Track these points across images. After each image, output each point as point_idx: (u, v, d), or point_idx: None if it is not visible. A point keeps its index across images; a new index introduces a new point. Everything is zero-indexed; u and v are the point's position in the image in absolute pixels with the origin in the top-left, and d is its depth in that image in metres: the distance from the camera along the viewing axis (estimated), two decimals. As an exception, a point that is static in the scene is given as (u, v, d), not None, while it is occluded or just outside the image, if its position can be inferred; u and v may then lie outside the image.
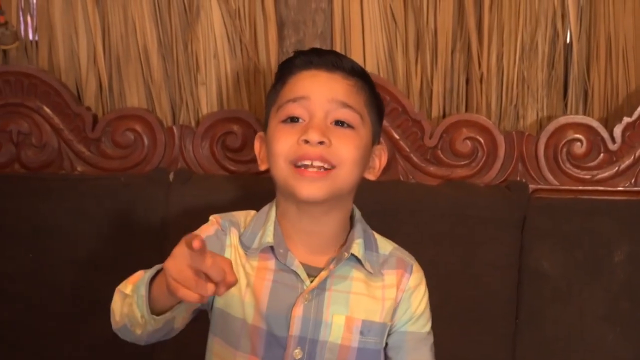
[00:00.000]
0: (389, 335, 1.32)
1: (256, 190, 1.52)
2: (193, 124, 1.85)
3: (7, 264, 1.72)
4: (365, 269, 1.30)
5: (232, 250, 1.30)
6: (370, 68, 1.79)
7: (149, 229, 1.68)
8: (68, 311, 1.71)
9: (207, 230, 1.31)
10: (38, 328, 1.71)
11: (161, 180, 1.72)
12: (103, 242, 1.69)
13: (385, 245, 1.35)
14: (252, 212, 1.36)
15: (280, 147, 1.25)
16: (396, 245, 1.37)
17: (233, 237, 1.30)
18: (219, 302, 1.29)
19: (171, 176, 1.74)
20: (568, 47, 1.84)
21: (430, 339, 1.35)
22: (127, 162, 1.80)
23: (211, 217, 1.34)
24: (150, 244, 1.66)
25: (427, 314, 1.35)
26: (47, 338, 1.70)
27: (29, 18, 1.89)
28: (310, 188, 1.23)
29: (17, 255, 1.72)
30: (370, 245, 1.33)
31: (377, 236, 1.36)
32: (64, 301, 1.71)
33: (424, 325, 1.34)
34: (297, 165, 1.24)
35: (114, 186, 1.72)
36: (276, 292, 1.26)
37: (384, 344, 1.32)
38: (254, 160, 1.67)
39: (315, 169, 1.23)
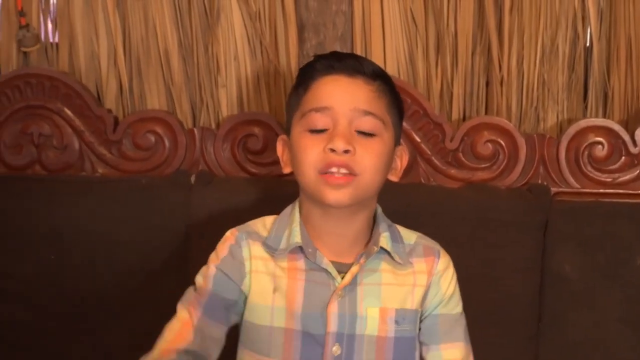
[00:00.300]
0: (421, 321, 1.34)
1: (278, 192, 1.52)
2: (213, 126, 1.86)
3: (27, 266, 1.72)
4: (395, 261, 1.31)
5: (252, 261, 1.31)
6: (390, 71, 1.79)
7: (171, 231, 1.69)
8: (88, 314, 1.71)
9: (222, 251, 1.32)
10: (56, 331, 1.71)
11: (183, 183, 1.73)
12: (125, 244, 1.70)
13: (410, 235, 1.37)
14: (270, 217, 1.37)
15: (309, 158, 1.26)
16: (419, 234, 1.39)
17: (252, 248, 1.31)
18: (246, 315, 1.31)
19: (193, 178, 1.74)
20: (588, 50, 1.84)
21: (463, 320, 1.37)
22: (148, 164, 1.80)
23: (227, 233, 1.35)
24: (172, 246, 1.68)
25: (457, 296, 1.37)
26: (65, 342, 1.71)
27: (49, 20, 1.89)
28: (336, 194, 1.25)
29: (37, 258, 1.72)
30: (395, 238, 1.35)
31: (400, 228, 1.38)
32: (84, 304, 1.71)
33: (455, 307, 1.36)
34: (323, 172, 1.25)
35: (135, 188, 1.73)
36: (310, 291, 1.28)
37: (417, 331, 1.33)
38: (275, 162, 1.69)
39: (340, 175, 1.25)
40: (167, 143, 1.79)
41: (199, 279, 1.32)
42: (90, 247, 1.70)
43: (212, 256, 1.33)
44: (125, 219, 1.70)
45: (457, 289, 1.37)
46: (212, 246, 1.36)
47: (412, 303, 1.32)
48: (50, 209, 1.73)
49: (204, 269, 1.33)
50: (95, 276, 1.70)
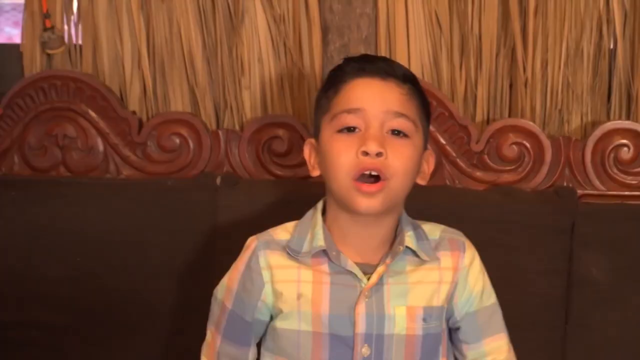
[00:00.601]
0: (458, 320, 1.34)
1: (304, 194, 1.51)
2: (237, 127, 1.86)
3: (52, 268, 1.72)
4: (420, 259, 1.32)
5: (271, 271, 1.31)
6: (414, 73, 1.77)
7: (197, 233, 1.69)
8: (114, 317, 1.71)
9: (241, 262, 1.34)
10: (82, 333, 1.72)
11: (208, 185, 1.72)
12: (150, 246, 1.70)
13: (434, 231, 1.38)
14: (291, 222, 1.37)
15: (341, 162, 1.26)
16: (443, 227, 1.39)
17: (271, 258, 1.32)
18: (275, 322, 1.32)
19: (218, 180, 1.74)
20: (612, 52, 1.83)
21: (499, 309, 1.38)
22: (172, 166, 1.80)
23: (249, 240, 1.36)
24: (198, 248, 1.68)
25: (489, 287, 1.38)
26: (93, 344, 1.71)
27: (73, 22, 1.89)
28: (368, 202, 1.25)
29: (62, 260, 1.72)
30: (420, 235, 1.35)
31: (423, 224, 1.38)
32: (111, 307, 1.71)
33: (489, 298, 1.37)
34: (356, 179, 1.25)
35: (161, 190, 1.73)
36: (336, 294, 1.28)
37: (443, 326, 1.33)
38: (300, 164, 1.70)
39: (372, 179, 1.25)
40: (191, 145, 1.80)
41: (220, 292, 1.35)
42: (116, 249, 1.70)
43: (233, 267, 1.35)
44: (150, 221, 1.71)
45: (487, 280, 1.38)
46: (238, 248, 1.36)
47: (438, 300, 1.32)
48: (75, 211, 1.73)
49: (226, 280, 1.35)
50: (120, 278, 1.70)
